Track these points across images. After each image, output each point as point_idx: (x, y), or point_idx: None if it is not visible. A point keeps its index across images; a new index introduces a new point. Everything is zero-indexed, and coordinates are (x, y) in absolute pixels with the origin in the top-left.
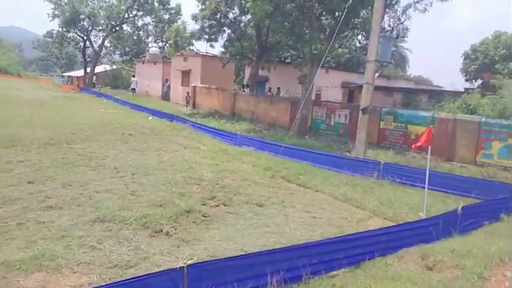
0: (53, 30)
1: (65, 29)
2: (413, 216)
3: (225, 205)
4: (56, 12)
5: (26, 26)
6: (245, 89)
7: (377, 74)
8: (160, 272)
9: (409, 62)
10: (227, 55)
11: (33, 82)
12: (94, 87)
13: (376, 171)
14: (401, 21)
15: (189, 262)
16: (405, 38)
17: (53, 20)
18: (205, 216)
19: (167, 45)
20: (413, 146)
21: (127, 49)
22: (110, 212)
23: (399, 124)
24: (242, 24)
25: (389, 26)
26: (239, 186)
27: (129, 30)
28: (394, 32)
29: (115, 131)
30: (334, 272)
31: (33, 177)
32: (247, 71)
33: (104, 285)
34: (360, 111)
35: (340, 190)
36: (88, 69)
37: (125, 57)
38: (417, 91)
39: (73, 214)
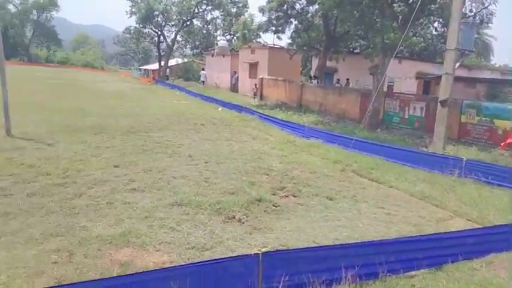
0: (130, 26)
1: (141, 25)
2: (502, 219)
3: (294, 196)
4: (133, 9)
5: (108, 24)
6: (313, 81)
7: (458, 64)
8: (236, 257)
9: (493, 50)
10: (294, 46)
11: (115, 75)
12: (168, 79)
13: (457, 168)
14: (485, 5)
15: (264, 250)
16: (489, 24)
17: (130, 17)
18: (276, 206)
19: (235, 38)
20: (502, 144)
21: (197, 43)
22: (186, 196)
23: (483, 118)
24: (309, 14)
25: (470, 11)
26: (308, 179)
27: (198, 24)
28: (477, 18)
29: (188, 121)
30: (413, 272)
31: (118, 161)
32: (315, 62)
33: (185, 265)
34: (439, 104)
35: (417, 187)
36: (162, 63)
37: (195, 50)
38: (504, 82)
39: (154, 197)
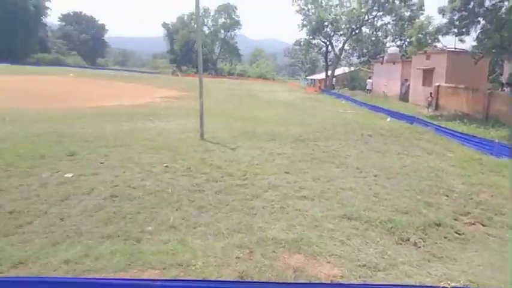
0: (300, 39)
1: (311, 37)
2: None
3: (483, 225)
4: (304, 22)
5: (280, 38)
6: (504, 88)
7: None
8: (423, 287)
9: None
10: (480, 49)
11: (283, 85)
12: (333, 88)
13: None
14: None
15: (453, 284)
16: None
17: (301, 30)
18: (459, 234)
19: (405, 43)
20: None
21: (364, 50)
22: (355, 210)
23: None
24: (503, 10)
25: None
26: (500, 205)
27: (367, 31)
28: None
29: (354, 131)
30: None
31: (289, 168)
32: (507, 67)
33: (368, 284)
34: None
35: None
36: (329, 72)
37: (362, 58)
38: None
39: (323, 207)
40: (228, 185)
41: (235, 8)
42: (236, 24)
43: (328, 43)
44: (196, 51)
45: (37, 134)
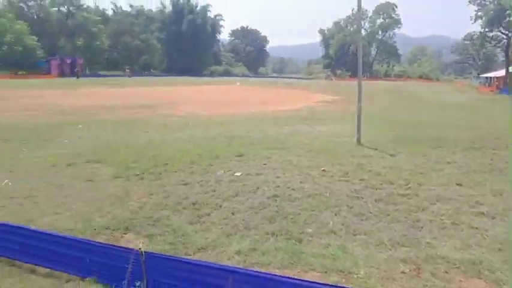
0: (473, 32)
1: (487, 29)
2: None
3: None
4: (479, 13)
5: (446, 33)
6: None
7: None
8: None
9: None
10: None
11: (450, 85)
12: None
13: None
14: None
15: None
16: None
17: (474, 22)
18: None
19: None
20: None
21: None
22: None
23: None
24: None
25: None
26: None
27: None
28: None
29: None
30: None
31: (461, 179)
32: None
33: None
34: None
35: None
36: (510, 69)
37: None
38: None
39: (507, 227)
40: (389, 193)
41: (395, 7)
42: (396, 23)
43: (510, 35)
44: (351, 54)
45: (212, 137)
